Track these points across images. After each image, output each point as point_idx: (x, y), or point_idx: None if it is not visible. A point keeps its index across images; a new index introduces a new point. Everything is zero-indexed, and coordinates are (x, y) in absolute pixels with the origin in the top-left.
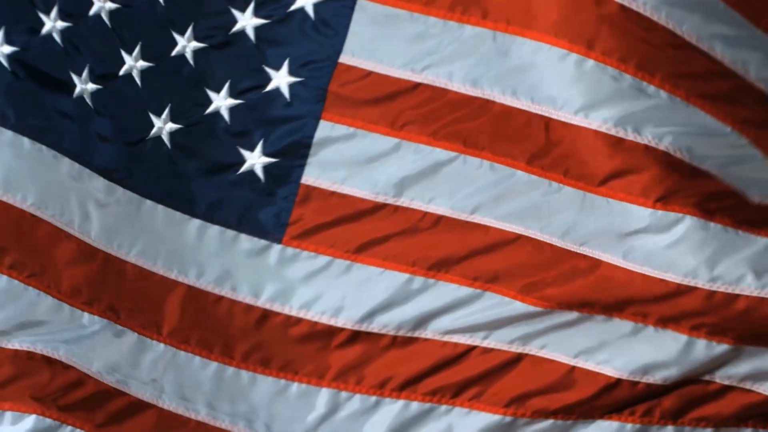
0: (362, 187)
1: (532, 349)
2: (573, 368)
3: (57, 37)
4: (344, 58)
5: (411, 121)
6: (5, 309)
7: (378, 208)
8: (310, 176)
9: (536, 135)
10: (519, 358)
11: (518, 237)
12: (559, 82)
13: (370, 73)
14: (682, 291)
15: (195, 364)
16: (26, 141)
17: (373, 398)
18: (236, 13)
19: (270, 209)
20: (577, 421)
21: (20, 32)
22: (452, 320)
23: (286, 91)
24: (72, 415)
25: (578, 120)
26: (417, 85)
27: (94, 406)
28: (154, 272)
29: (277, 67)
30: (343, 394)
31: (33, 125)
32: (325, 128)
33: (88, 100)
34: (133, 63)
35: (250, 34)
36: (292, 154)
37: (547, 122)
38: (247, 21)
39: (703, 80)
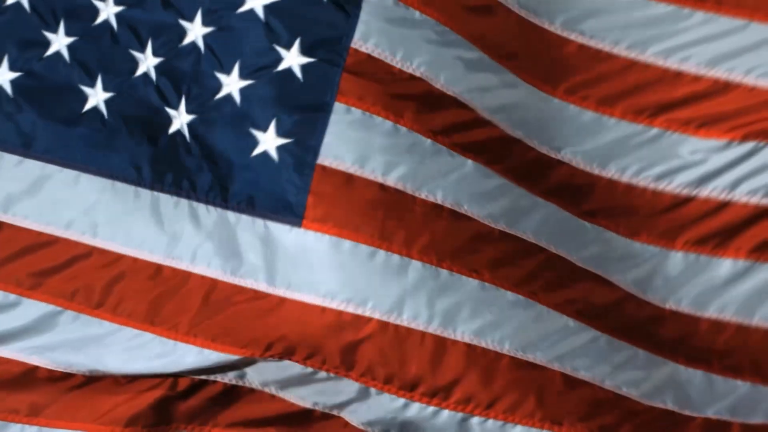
0: (376, 172)
1: (565, 367)
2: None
3: (65, 54)
4: (356, 43)
5: (414, 111)
6: None
7: (395, 193)
8: (327, 157)
9: None
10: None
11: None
12: None
13: (377, 60)
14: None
15: (212, 358)
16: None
17: (402, 401)
18: None
19: (288, 191)
20: None
21: (26, 57)
22: (476, 321)
23: (298, 72)
24: None
25: None
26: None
27: None
28: (166, 265)
29: (288, 47)
30: (372, 390)
31: (41, 147)
32: (340, 111)
33: (103, 110)
34: (146, 62)
35: (260, 12)
36: (307, 135)
37: None
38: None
39: None
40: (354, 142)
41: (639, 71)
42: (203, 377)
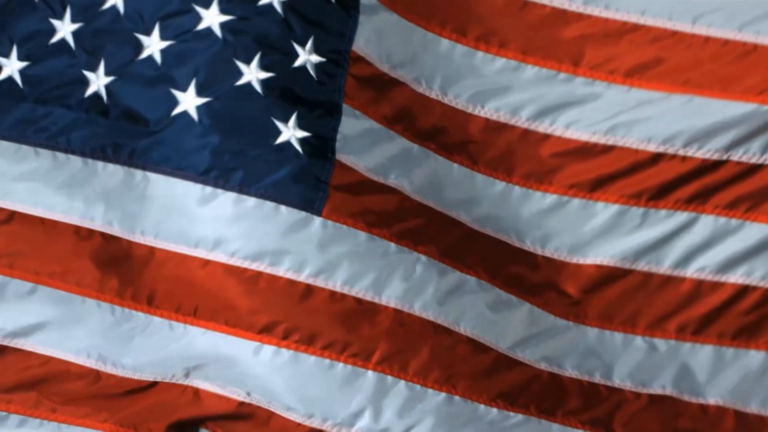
0: (379, 173)
1: (552, 366)
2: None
3: (70, 40)
4: (356, 45)
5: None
6: None
7: (398, 193)
8: (342, 154)
9: None
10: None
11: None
12: None
13: (371, 65)
14: None
15: (229, 342)
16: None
17: (418, 387)
18: None
19: (309, 181)
20: None
21: (32, 45)
22: (480, 320)
23: (312, 70)
24: None
25: None
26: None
27: None
28: (178, 252)
29: (303, 44)
30: (389, 379)
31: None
32: (348, 112)
33: (102, 94)
34: (151, 44)
35: (278, 7)
36: (324, 131)
37: None
38: None
39: None
40: (359, 142)
41: (666, 40)
42: (218, 391)
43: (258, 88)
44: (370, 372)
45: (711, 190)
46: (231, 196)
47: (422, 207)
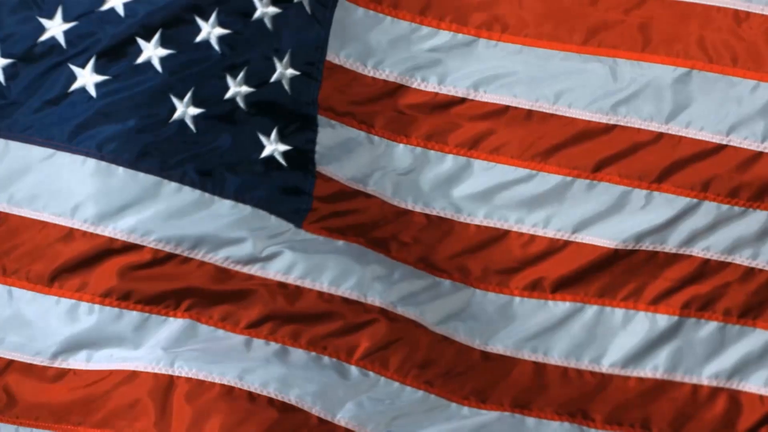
0: (358, 181)
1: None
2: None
3: (60, 39)
4: (330, 55)
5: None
6: None
7: (377, 199)
8: (321, 164)
9: None
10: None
11: None
12: None
13: (349, 71)
14: None
15: (219, 336)
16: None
17: (396, 384)
18: (255, 0)
19: (294, 192)
20: None
21: (18, 43)
22: (456, 320)
23: (286, 84)
24: None
25: None
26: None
27: None
28: (178, 254)
29: (281, 58)
30: (371, 375)
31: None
32: (323, 123)
33: (91, 91)
34: (152, 50)
35: (268, 23)
36: (304, 144)
37: None
38: (265, 8)
39: None
40: (338, 152)
41: (675, 14)
42: (201, 377)
43: (241, 102)
44: (353, 367)
45: (711, 177)
46: (227, 203)
47: (400, 211)
